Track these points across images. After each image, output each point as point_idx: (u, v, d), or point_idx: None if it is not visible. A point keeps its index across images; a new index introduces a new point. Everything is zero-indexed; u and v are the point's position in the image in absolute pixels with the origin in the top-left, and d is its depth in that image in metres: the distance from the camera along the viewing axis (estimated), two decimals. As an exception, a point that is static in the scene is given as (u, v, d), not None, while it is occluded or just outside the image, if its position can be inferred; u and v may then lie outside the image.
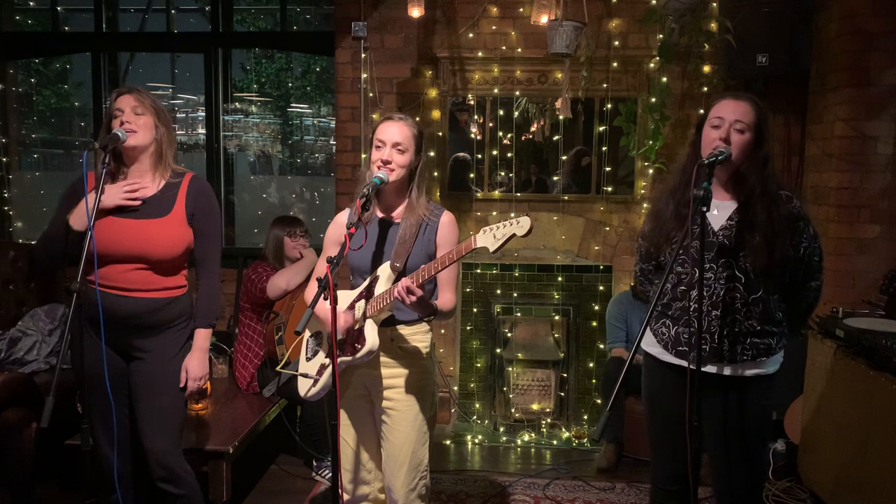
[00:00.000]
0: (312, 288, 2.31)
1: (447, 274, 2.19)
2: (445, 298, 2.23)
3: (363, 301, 2.19)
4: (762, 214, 2.04)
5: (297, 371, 2.33)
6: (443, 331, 4.27)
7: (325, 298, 1.98)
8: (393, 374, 2.25)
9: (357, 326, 2.17)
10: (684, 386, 2.07)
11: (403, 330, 2.24)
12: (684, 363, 2.10)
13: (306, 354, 2.35)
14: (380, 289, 2.15)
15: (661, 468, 2.29)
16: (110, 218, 2.21)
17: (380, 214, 2.28)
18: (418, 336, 2.26)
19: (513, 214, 1.98)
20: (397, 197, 2.27)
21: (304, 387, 2.28)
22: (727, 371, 2.10)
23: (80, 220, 2.18)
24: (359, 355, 2.14)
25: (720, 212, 2.12)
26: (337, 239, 2.27)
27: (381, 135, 2.20)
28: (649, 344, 2.25)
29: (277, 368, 3.18)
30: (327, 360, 2.23)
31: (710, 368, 2.10)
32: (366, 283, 2.22)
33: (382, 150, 2.19)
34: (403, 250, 2.17)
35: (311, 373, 2.26)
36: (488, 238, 1.91)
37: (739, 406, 2.11)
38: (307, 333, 2.39)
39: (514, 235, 1.87)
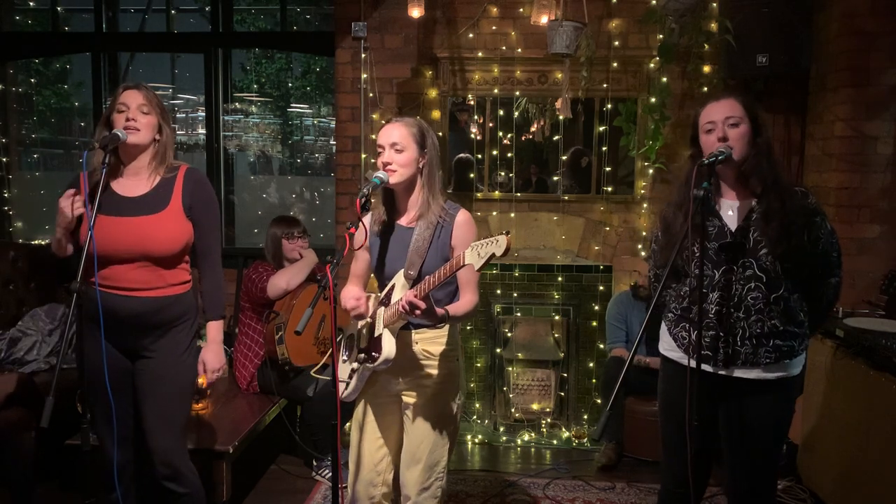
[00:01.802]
0: (347, 287, 2.35)
1: (466, 274, 2.17)
2: (465, 300, 2.21)
3: (382, 308, 2.20)
4: (776, 203, 2.02)
5: (333, 374, 2.34)
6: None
7: (326, 299, 1.98)
8: (417, 376, 2.24)
9: (376, 334, 2.18)
10: (705, 389, 2.07)
11: (426, 333, 2.23)
12: (707, 367, 2.09)
13: (342, 357, 2.36)
14: (395, 297, 2.16)
15: (673, 471, 2.26)
16: (106, 217, 2.20)
17: (396, 221, 2.27)
18: (441, 339, 2.24)
19: (492, 235, 2.00)
20: (408, 199, 2.25)
21: (341, 390, 2.28)
22: (750, 375, 2.08)
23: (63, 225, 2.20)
24: (375, 364, 2.15)
25: (735, 212, 2.11)
26: (358, 238, 2.28)
27: (380, 139, 2.20)
28: (668, 349, 2.23)
29: (312, 373, 3.35)
30: (356, 364, 2.25)
31: (734, 372, 2.08)
32: (384, 291, 2.23)
33: (383, 154, 2.18)
34: (417, 257, 2.16)
35: (344, 376, 2.29)
36: (474, 255, 1.93)
37: (762, 409, 2.09)
38: (347, 332, 2.41)
39: (493, 255, 1.89)
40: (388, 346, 2.13)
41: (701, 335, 2.07)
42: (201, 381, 2.47)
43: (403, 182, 2.19)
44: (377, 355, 2.14)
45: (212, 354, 2.41)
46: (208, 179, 2.48)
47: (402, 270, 2.18)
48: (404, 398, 2.27)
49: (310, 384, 3.45)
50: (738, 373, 2.08)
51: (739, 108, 2.05)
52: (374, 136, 4.18)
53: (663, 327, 2.27)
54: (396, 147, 2.17)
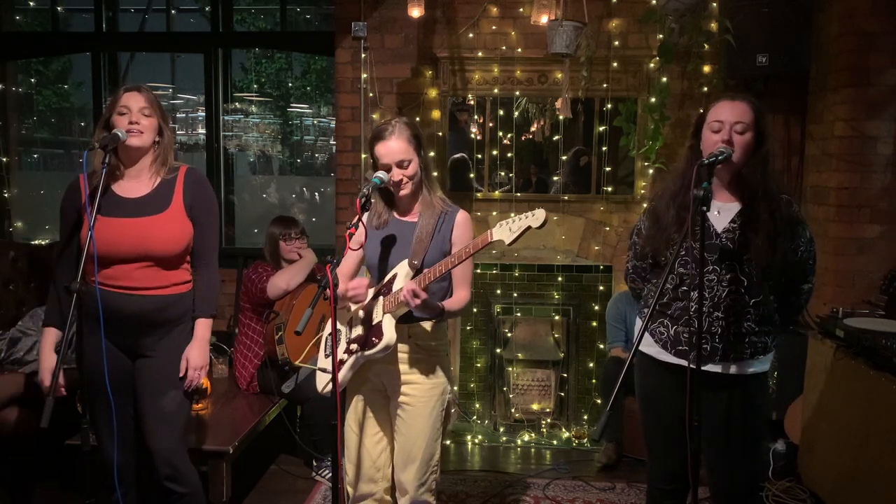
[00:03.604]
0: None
1: (461, 271, 2.23)
2: (459, 296, 2.26)
3: (381, 297, 2.22)
4: (764, 214, 2.05)
5: (314, 366, 2.37)
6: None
7: (326, 299, 1.98)
8: (410, 370, 2.27)
9: (374, 322, 2.20)
10: (682, 385, 2.07)
11: (420, 328, 2.26)
12: (683, 362, 2.10)
13: (324, 350, 2.38)
14: (397, 286, 2.18)
15: (658, 468, 2.30)
16: (109, 219, 2.21)
17: (397, 216, 2.31)
18: (435, 333, 2.29)
19: (512, 215, 2.02)
20: (413, 199, 2.30)
21: (321, 382, 2.30)
22: (729, 370, 2.11)
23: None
24: (375, 350, 2.16)
25: (723, 213, 2.12)
26: (357, 238, 2.33)
27: (384, 159, 2.20)
28: (645, 344, 2.24)
29: (297, 363, 3.22)
30: (345, 356, 2.26)
31: (711, 367, 2.11)
32: (386, 279, 2.25)
33: (392, 173, 2.20)
34: (421, 248, 2.20)
35: (329, 368, 2.28)
36: (504, 231, 1.97)
37: (741, 404, 2.12)
38: (327, 329, 2.42)
39: (529, 227, 1.93)
40: (389, 332, 2.15)
41: (679, 331, 2.12)
42: (202, 380, 2.45)
43: (414, 188, 2.24)
44: (377, 341, 2.15)
45: (195, 351, 2.36)
46: (208, 179, 2.48)
47: (406, 260, 2.20)
48: (400, 398, 2.28)
49: (310, 380, 3.43)
50: (715, 368, 2.11)
51: (750, 116, 2.06)
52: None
53: (638, 323, 2.29)
54: (404, 164, 2.20)
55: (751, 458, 2.17)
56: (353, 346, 2.23)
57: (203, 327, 2.40)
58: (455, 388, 4.26)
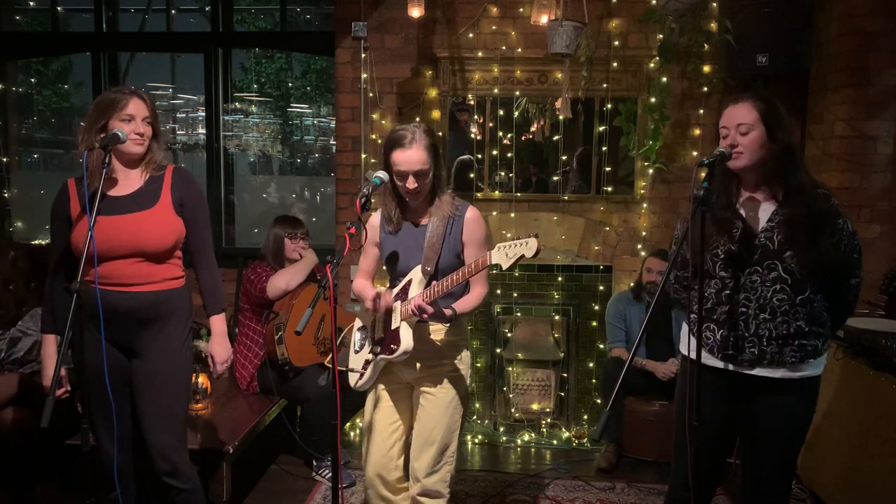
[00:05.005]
0: (359, 281, 2.46)
1: None
2: (475, 293, 2.32)
3: (399, 303, 2.27)
4: (801, 208, 2.02)
5: (346, 363, 2.46)
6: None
7: (326, 299, 2.00)
8: (432, 365, 2.33)
9: (393, 327, 2.26)
10: (726, 389, 2.11)
11: (439, 325, 2.31)
12: (729, 366, 2.10)
13: (354, 347, 2.45)
14: (413, 292, 2.24)
15: (685, 471, 2.25)
16: (100, 217, 2.21)
17: (408, 221, 2.35)
18: (455, 329, 2.35)
19: (515, 236, 2.05)
20: (424, 204, 2.33)
21: (352, 379, 2.41)
22: (776, 374, 2.07)
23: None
24: (394, 355, 2.23)
25: (757, 214, 2.10)
26: (372, 239, 2.42)
27: (401, 165, 2.21)
28: (690, 349, 2.20)
29: (325, 362, 3.40)
30: (370, 356, 2.34)
31: (761, 372, 2.08)
32: (400, 285, 2.30)
33: (408, 181, 2.21)
34: (433, 254, 2.25)
35: (358, 366, 2.39)
36: (501, 256, 2.03)
37: (786, 408, 2.09)
38: (357, 324, 2.49)
39: (523, 256, 1.99)
40: (407, 339, 2.22)
41: (726, 336, 2.09)
42: (202, 380, 2.48)
43: (424, 196, 2.28)
44: (396, 347, 2.22)
45: (218, 347, 2.47)
46: (195, 177, 2.49)
47: (420, 266, 2.25)
48: (423, 388, 2.35)
49: (311, 379, 3.44)
50: (764, 372, 2.08)
51: (753, 114, 2.05)
52: (374, 136, 4.18)
53: (685, 328, 2.25)
54: (422, 172, 2.22)
55: (790, 462, 2.16)
56: (376, 349, 2.31)
57: (218, 323, 2.48)
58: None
